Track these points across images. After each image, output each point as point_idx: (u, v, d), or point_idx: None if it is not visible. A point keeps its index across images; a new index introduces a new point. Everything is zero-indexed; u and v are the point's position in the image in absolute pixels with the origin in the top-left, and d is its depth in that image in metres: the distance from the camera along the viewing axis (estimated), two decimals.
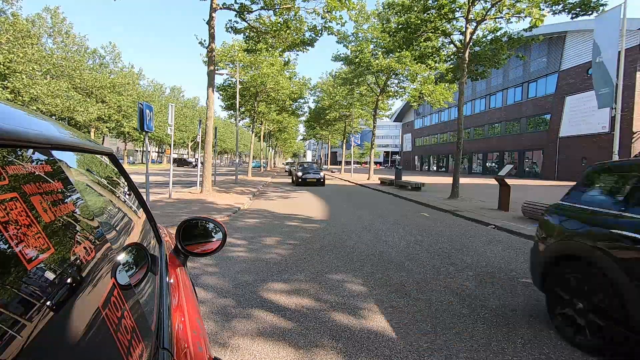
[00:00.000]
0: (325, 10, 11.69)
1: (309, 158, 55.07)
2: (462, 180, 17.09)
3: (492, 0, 11.04)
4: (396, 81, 23.61)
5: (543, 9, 10.32)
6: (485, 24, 12.17)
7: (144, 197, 3.58)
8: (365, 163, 67.95)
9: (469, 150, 39.46)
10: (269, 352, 2.40)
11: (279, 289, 3.56)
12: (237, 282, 3.73)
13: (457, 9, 11.60)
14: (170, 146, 23.07)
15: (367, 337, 2.63)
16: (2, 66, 21.87)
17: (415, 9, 11.76)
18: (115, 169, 1.17)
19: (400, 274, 4.12)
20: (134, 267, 0.92)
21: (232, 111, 29.25)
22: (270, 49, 14.45)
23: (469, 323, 2.90)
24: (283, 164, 61.08)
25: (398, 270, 4.27)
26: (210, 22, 11.52)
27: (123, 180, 1.20)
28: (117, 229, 0.93)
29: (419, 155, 56.31)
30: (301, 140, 79.83)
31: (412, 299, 3.39)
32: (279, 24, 12.22)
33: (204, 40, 12.86)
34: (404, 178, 19.89)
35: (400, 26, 12.34)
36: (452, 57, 13.55)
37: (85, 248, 0.64)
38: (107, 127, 36.64)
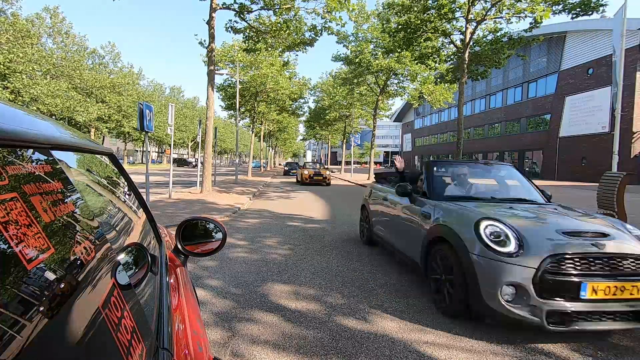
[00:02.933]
0: (325, 11, 11.69)
1: (308, 158, 53.80)
2: None
3: (492, 0, 11.03)
4: (396, 81, 23.59)
5: (544, 9, 10.31)
6: (485, 24, 12.16)
7: (144, 197, 3.57)
8: (365, 163, 67.85)
9: (469, 150, 39.44)
10: (269, 352, 2.40)
11: (279, 290, 3.56)
12: (238, 283, 3.73)
13: (457, 9, 11.59)
14: (170, 146, 23.07)
15: (367, 337, 2.63)
16: (2, 66, 21.86)
17: (415, 9, 11.74)
18: (115, 169, 1.17)
19: (401, 275, 4.12)
20: (134, 267, 0.92)
21: (232, 111, 29.26)
22: (269, 49, 14.44)
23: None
24: (281, 164, 60.77)
25: (399, 271, 4.27)
26: (210, 22, 11.52)
27: (123, 180, 1.20)
28: (117, 229, 0.93)
29: (419, 155, 56.33)
30: (301, 140, 79.80)
31: (413, 298, 3.39)
32: (279, 24, 12.22)
33: (204, 40, 12.87)
34: None
35: (400, 26, 12.32)
36: (452, 57, 13.53)
37: (85, 248, 0.64)
38: (107, 127, 36.63)
